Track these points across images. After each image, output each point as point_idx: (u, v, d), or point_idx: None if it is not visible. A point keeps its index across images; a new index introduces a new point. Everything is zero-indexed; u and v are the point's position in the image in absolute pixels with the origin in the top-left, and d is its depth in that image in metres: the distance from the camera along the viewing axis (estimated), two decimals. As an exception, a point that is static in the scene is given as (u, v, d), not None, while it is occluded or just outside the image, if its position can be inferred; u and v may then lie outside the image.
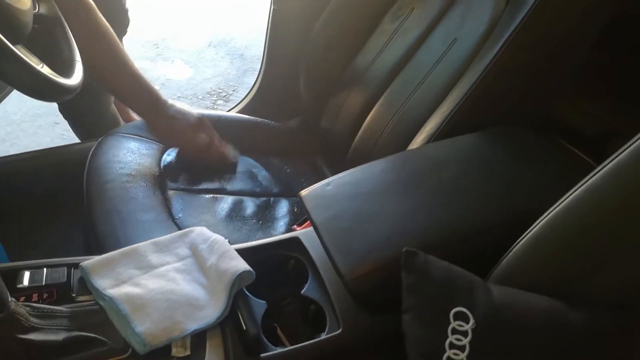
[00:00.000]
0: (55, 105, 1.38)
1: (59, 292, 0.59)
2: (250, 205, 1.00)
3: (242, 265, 0.61)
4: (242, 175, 1.07)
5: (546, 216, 0.50)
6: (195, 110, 1.02)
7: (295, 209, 1.01)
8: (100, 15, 0.93)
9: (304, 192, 0.66)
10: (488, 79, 0.75)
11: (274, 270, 0.71)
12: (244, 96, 1.36)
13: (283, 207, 1.02)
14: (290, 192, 1.07)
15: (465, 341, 0.44)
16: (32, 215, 1.16)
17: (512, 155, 0.69)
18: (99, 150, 1.00)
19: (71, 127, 1.46)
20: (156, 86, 0.99)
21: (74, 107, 1.40)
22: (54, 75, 0.68)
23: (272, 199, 1.04)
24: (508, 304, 0.46)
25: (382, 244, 0.57)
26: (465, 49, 0.83)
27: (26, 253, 1.13)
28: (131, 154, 1.00)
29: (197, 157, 1.01)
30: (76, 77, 0.75)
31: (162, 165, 1.02)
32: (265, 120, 1.22)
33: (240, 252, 0.67)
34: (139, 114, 1.01)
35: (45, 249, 1.10)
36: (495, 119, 0.77)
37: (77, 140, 1.46)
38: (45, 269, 0.62)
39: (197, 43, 2.68)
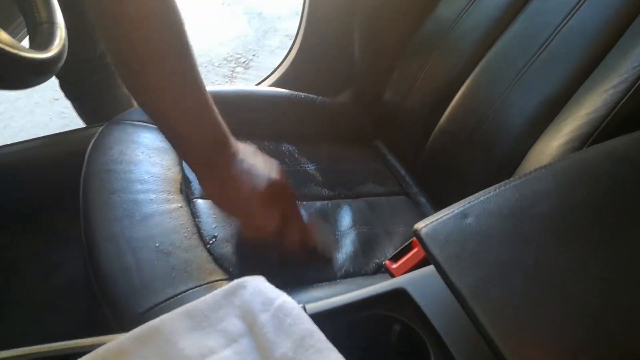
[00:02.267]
0: (54, 80, 1.11)
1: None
2: (302, 214, 0.75)
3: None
4: (284, 170, 0.82)
5: None
6: (274, 165, 0.62)
7: (361, 219, 0.76)
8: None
9: (422, 227, 0.41)
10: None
11: (367, 336, 0.47)
12: (278, 64, 1.09)
13: (345, 215, 0.77)
14: (352, 191, 0.82)
15: None
16: (22, 225, 0.93)
17: None
18: (100, 146, 0.75)
19: (75, 109, 1.20)
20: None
21: (80, 87, 1.13)
22: (12, 48, 0.43)
23: (329, 203, 0.79)
24: None
25: (615, 342, 0.32)
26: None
27: (10, 282, 0.92)
28: (143, 150, 0.74)
29: (259, 243, 0.62)
30: (55, 48, 0.49)
31: (184, 163, 0.76)
32: (310, 95, 0.95)
33: (316, 317, 0.43)
34: (189, 161, 0.60)
35: (36, 274, 0.87)
36: None
37: (80, 121, 1.20)
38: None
39: (209, 1, 2.38)
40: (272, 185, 0.58)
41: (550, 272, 0.35)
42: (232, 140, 0.59)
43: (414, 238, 0.54)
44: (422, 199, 0.84)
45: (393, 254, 0.54)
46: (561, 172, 0.42)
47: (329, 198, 0.80)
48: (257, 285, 0.44)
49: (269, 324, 0.41)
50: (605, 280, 0.35)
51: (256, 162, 0.59)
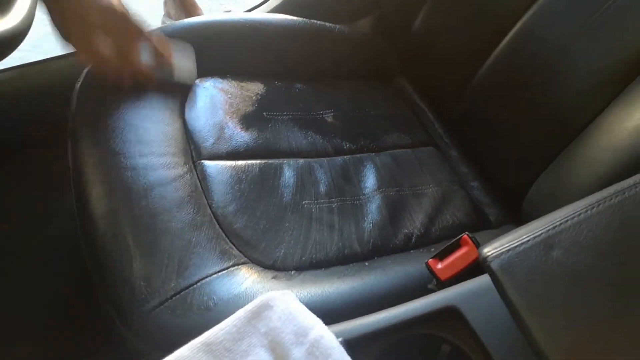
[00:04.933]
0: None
1: None
2: (321, 175, 0.66)
3: None
4: (297, 118, 0.72)
5: None
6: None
7: (387, 179, 0.68)
8: None
9: (493, 255, 0.33)
10: None
11: (411, 357, 0.41)
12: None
13: (369, 175, 0.68)
14: (376, 143, 0.73)
15: None
16: (8, 166, 0.84)
17: None
18: (88, 91, 0.64)
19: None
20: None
21: None
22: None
23: (351, 158, 0.70)
24: None
25: None
26: None
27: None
28: (140, 99, 0.64)
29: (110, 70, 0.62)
30: (16, 15, 0.38)
31: (187, 113, 0.66)
32: (327, 24, 0.82)
33: (355, 341, 0.37)
34: None
35: (28, 225, 0.80)
36: None
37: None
38: None
39: None
40: (106, 12, 0.60)
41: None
42: None
43: (464, 235, 0.47)
44: (454, 152, 0.75)
45: (437, 252, 0.46)
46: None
47: (350, 152, 0.71)
48: (286, 306, 0.38)
49: (303, 361, 0.35)
50: None
51: None
